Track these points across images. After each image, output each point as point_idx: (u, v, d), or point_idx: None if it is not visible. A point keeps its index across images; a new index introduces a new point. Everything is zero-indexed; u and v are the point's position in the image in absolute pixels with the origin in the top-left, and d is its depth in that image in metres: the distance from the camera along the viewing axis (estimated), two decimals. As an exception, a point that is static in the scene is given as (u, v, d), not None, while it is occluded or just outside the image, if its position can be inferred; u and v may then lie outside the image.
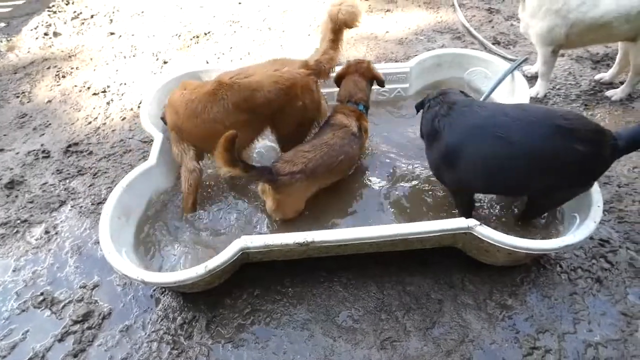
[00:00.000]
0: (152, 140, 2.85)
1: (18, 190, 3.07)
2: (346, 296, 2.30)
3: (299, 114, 2.57)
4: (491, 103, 2.31)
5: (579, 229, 2.04)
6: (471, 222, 2.03)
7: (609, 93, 3.43)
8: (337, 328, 2.18)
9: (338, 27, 2.54)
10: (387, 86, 3.22)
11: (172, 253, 2.40)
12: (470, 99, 2.30)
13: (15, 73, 4.45)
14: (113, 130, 3.57)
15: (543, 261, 2.38)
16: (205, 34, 4.82)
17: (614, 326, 2.11)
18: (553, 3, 2.92)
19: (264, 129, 2.68)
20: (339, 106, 2.72)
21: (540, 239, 2.18)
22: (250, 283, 2.36)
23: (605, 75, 3.57)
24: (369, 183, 2.76)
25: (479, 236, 2.01)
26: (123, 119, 3.69)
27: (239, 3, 5.39)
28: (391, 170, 2.80)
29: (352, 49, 4.29)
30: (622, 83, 3.39)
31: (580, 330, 2.10)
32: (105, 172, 3.16)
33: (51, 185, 3.09)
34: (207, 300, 2.30)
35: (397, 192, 2.65)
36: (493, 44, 4.11)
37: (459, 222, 2.05)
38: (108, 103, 3.90)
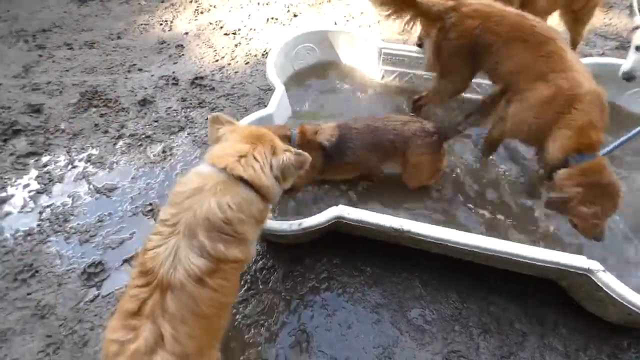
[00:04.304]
0: (269, 89, 2.94)
1: (147, 108, 3.40)
2: (423, 294, 2.22)
3: None
4: None
5: None
6: (594, 264, 1.79)
7: None
8: (407, 322, 2.12)
9: None
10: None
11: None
12: None
13: (163, 2, 4.83)
14: (236, 72, 3.74)
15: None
16: (339, -6, 4.75)
17: None
18: None
19: None
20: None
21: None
22: (333, 250, 2.38)
23: None
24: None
25: (599, 283, 1.77)
26: (247, 63, 3.84)
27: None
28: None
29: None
30: None
31: None
32: (222, 110, 3.35)
33: (175, 110, 3.37)
34: (289, 253, 2.38)
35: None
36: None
37: (578, 261, 1.81)
38: (236, 45, 4.08)
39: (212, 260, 1.40)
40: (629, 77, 2.56)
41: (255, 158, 1.54)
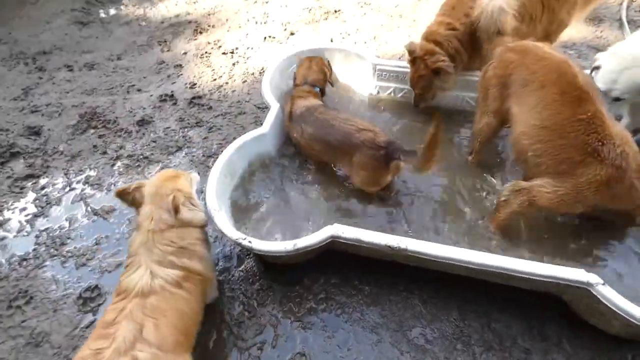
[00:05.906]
0: (266, 108, 2.95)
1: (146, 129, 3.42)
2: (423, 313, 2.18)
3: None
4: None
5: None
6: (593, 277, 1.76)
7: None
8: (407, 342, 2.08)
9: None
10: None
11: (258, 218, 2.50)
12: None
13: (162, 22, 4.91)
14: (233, 91, 3.77)
15: (668, 345, 2.00)
16: (335, 11, 4.81)
17: None
18: None
19: None
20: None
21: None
22: (330, 270, 2.35)
23: None
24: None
25: (598, 296, 1.74)
26: (244, 82, 3.88)
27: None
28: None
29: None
30: None
31: None
32: (219, 129, 3.37)
33: (173, 130, 3.39)
34: (286, 274, 2.35)
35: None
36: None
37: (578, 275, 1.78)
38: (234, 64, 4.12)
39: (183, 270, 1.81)
40: None
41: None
